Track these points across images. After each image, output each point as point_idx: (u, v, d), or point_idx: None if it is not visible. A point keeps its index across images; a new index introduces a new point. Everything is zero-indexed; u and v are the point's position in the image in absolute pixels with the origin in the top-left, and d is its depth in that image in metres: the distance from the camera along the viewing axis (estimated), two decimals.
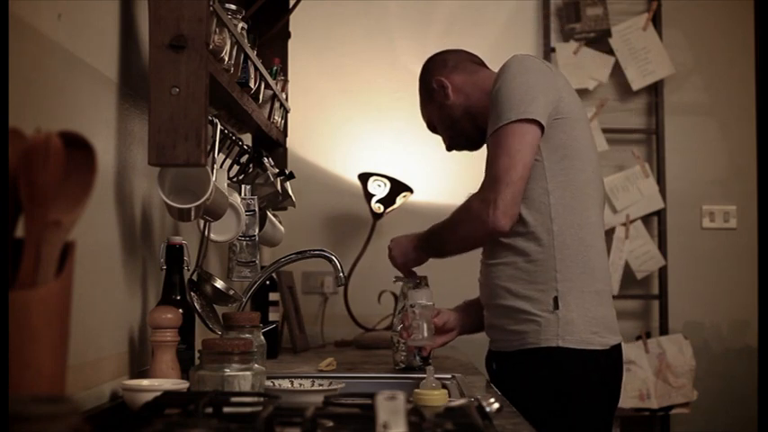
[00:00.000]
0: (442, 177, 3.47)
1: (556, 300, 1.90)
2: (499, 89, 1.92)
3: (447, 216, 2.04)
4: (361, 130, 3.52)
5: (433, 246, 2.09)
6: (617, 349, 1.96)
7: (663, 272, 3.50)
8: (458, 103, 2.12)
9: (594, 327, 1.91)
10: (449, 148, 2.23)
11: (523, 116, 1.87)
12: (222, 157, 2.06)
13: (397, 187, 3.30)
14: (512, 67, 1.96)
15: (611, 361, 1.95)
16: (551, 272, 1.91)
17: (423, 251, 2.12)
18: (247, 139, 2.35)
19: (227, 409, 1.14)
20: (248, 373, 1.34)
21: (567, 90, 1.98)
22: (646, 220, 3.53)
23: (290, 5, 2.60)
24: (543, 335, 1.90)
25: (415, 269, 2.18)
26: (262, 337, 1.78)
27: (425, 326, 2.10)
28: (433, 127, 2.23)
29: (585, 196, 1.95)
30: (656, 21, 3.55)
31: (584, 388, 1.90)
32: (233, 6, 1.79)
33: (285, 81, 2.51)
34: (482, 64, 2.20)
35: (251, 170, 2.21)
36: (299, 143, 3.27)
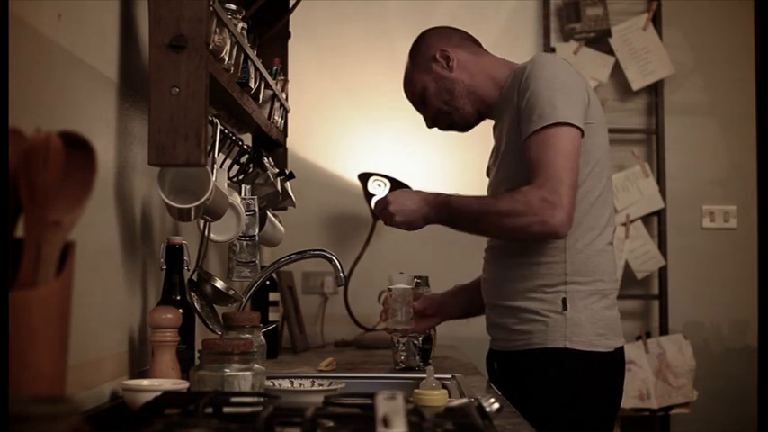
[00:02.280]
0: (442, 178, 3.47)
1: (564, 301, 1.89)
2: (537, 88, 1.87)
3: (479, 195, 1.97)
4: (361, 130, 3.52)
5: (457, 221, 1.94)
6: (620, 351, 1.96)
7: (663, 272, 3.50)
8: (460, 78, 2.06)
9: (601, 329, 1.90)
10: (432, 125, 2.15)
11: (570, 121, 1.84)
12: (222, 157, 2.06)
13: (397, 187, 3.29)
14: (548, 66, 1.91)
15: (615, 363, 1.94)
16: (561, 275, 1.90)
17: (432, 221, 1.97)
18: (247, 139, 2.35)
19: (227, 409, 1.14)
20: (248, 373, 1.34)
21: (592, 94, 1.96)
22: (646, 220, 3.53)
23: (290, 5, 2.60)
24: (550, 335, 1.89)
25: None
26: (262, 337, 1.78)
27: (403, 309, 2.13)
28: (419, 99, 2.13)
29: (601, 201, 1.94)
30: (656, 21, 3.55)
31: (589, 390, 1.90)
32: (233, 6, 1.79)
33: (285, 81, 2.51)
34: (481, 47, 2.16)
35: (251, 170, 2.21)
36: (299, 143, 3.27)
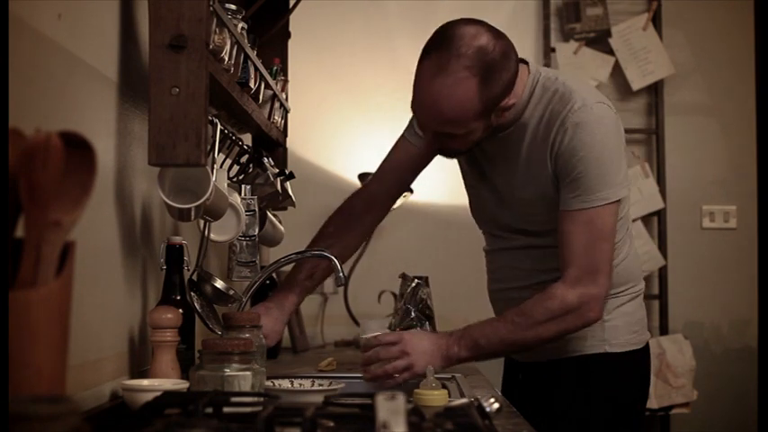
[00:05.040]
0: (442, 177, 3.46)
1: None
2: (589, 156, 1.71)
3: (497, 316, 1.88)
4: (361, 130, 3.52)
5: (483, 347, 1.78)
6: (647, 345, 1.97)
7: (663, 272, 3.50)
8: (496, 124, 1.80)
9: (634, 325, 1.91)
10: (438, 152, 1.98)
11: (618, 198, 1.76)
12: (222, 157, 2.06)
13: None
14: (601, 131, 1.73)
15: (646, 356, 1.96)
16: None
17: (454, 357, 1.79)
18: (247, 139, 2.35)
19: (227, 409, 1.14)
20: (248, 373, 1.34)
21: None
22: (646, 220, 3.53)
23: (290, 5, 2.60)
24: (589, 341, 1.86)
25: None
26: (262, 337, 1.78)
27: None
28: (449, 132, 1.80)
29: (625, 218, 1.91)
30: (656, 21, 3.55)
31: (627, 389, 1.91)
32: (233, 6, 1.79)
33: (285, 81, 2.51)
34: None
35: (251, 170, 2.21)
36: (299, 143, 3.26)
